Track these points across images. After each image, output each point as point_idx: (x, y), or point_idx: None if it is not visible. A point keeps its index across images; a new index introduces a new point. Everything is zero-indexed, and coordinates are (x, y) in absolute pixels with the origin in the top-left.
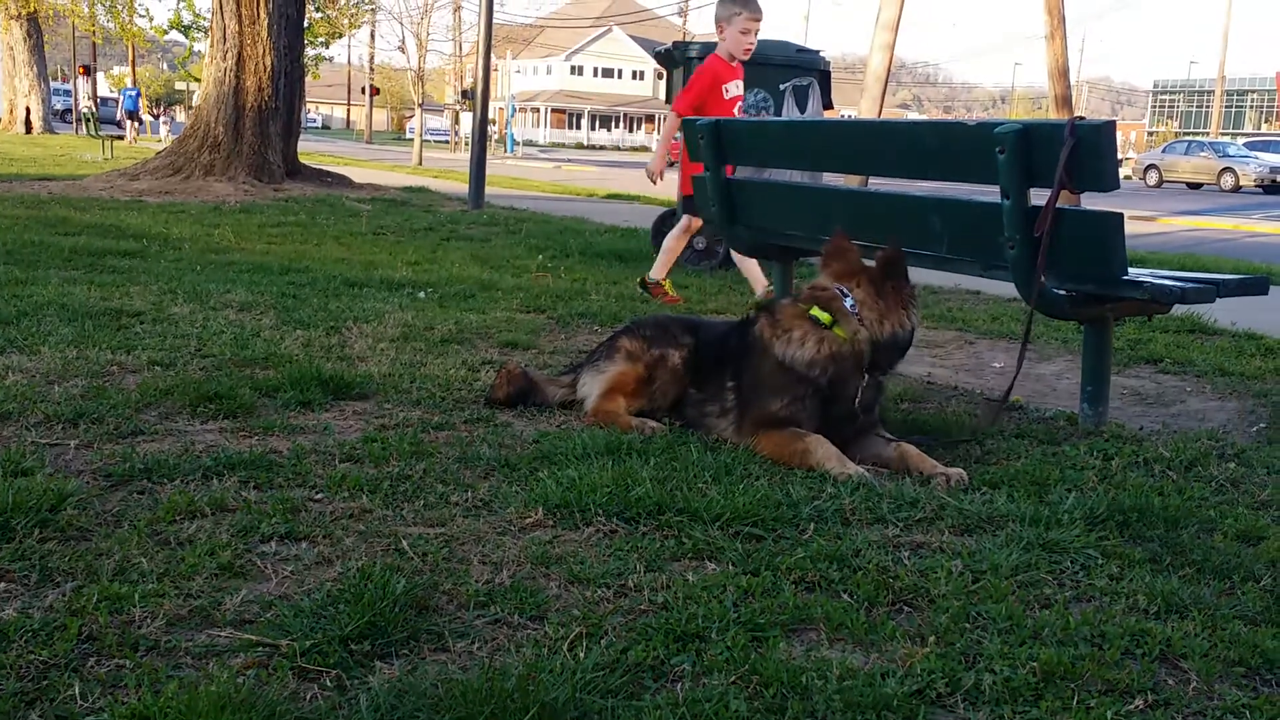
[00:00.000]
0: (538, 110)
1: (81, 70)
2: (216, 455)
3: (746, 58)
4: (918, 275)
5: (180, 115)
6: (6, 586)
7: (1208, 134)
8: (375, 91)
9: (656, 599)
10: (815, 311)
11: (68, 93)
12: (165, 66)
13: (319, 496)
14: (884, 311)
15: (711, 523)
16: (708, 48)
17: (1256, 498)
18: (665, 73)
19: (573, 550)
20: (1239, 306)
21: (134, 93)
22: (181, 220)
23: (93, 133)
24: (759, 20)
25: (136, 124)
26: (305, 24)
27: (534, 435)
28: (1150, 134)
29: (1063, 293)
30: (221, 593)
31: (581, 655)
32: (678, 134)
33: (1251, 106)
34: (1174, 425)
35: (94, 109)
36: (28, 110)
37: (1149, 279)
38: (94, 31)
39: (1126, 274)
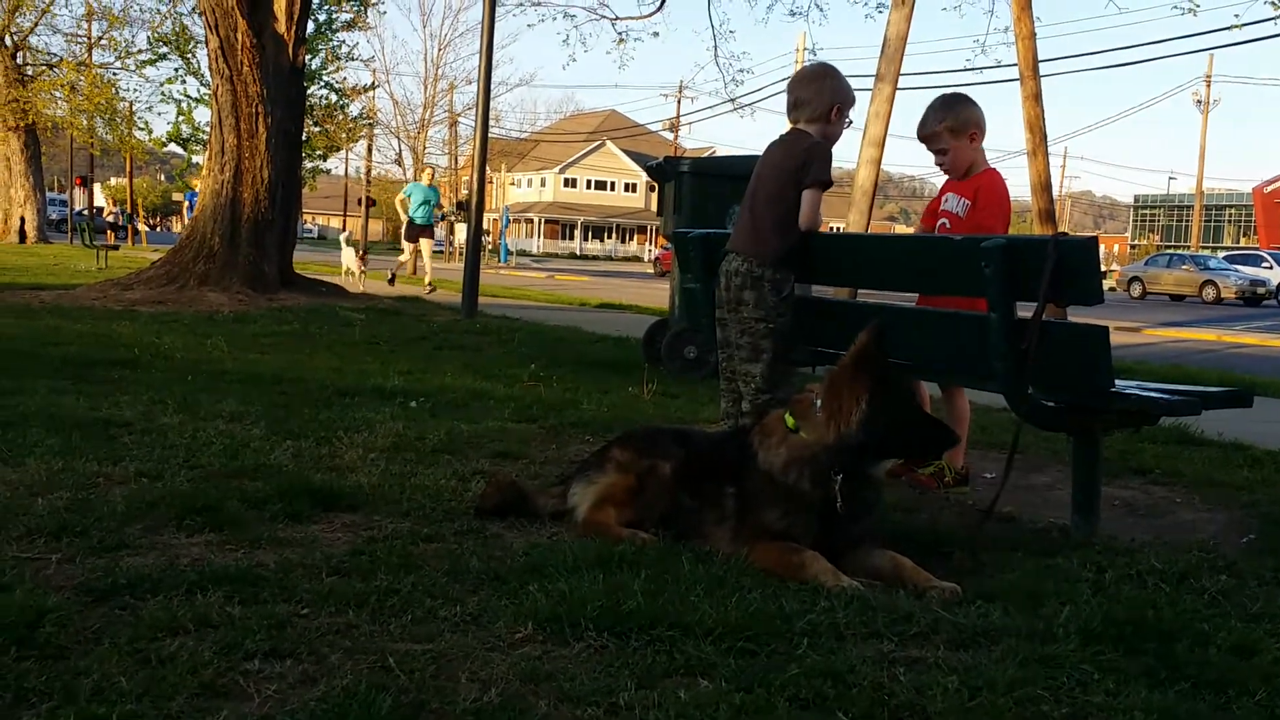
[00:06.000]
0: (531, 221)
1: (78, 181)
2: (201, 569)
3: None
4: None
5: (176, 226)
6: None
7: (1188, 247)
8: (371, 203)
9: (648, 718)
10: (787, 416)
11: (63, 203)
12: (163, 177)
13: (305, 611)
14: (831, 412)
15: (704, 637)
16: (698, 162)
17: (1249, 610)
18: (657, 186)
19: (563, 666)
20: (1225, 417)
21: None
22: (174, 330)
23: (87, 242)
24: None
25: None
26: (304, 138)
27: (524, 547)
28: (1133, 247)
29: (1051, 404)
30: (202, 713)
31: None
32: (667, 245)
33: (1230, 221)
34: (1165, 536)
35: (118, 217)
36: (23, 220)
37: (1136, 391)
38: (92, 144)
39: (1114, 386)
